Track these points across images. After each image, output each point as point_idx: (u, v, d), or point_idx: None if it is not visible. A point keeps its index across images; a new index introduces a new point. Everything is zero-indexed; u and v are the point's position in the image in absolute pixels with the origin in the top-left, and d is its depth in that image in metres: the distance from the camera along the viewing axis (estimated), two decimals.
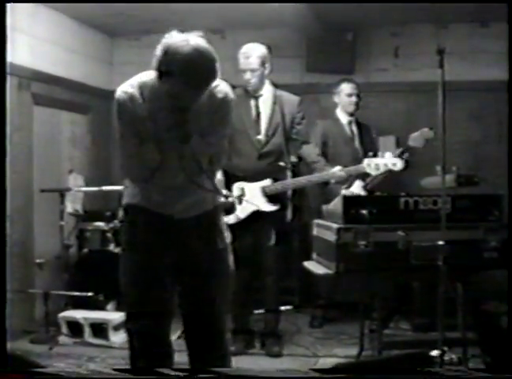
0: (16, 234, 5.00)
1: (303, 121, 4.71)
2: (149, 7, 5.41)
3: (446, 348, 3.38)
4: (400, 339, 4.78)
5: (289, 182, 4.61)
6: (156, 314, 2.97)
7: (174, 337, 3.32)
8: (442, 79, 3.41)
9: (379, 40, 6.19)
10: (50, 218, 5.33)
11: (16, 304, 4.92)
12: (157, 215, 2.93)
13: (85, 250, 5.45)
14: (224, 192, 3.33)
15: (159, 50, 2.67)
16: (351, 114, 5.41)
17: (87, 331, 4.88)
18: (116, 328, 4.86)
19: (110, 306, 5.14)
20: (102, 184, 5.56)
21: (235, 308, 3.84)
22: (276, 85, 4.71)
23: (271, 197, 4.52)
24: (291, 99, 4.69)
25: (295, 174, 4.89)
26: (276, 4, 5.09)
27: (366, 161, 4.41)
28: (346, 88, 5.37)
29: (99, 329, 4.85)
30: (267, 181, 4.54)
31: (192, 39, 2.65)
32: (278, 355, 4.54)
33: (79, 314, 4.95)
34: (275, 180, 4.55)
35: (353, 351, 4.36)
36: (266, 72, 4.57)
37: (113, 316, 4.95)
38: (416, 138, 4.53)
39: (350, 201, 3.81)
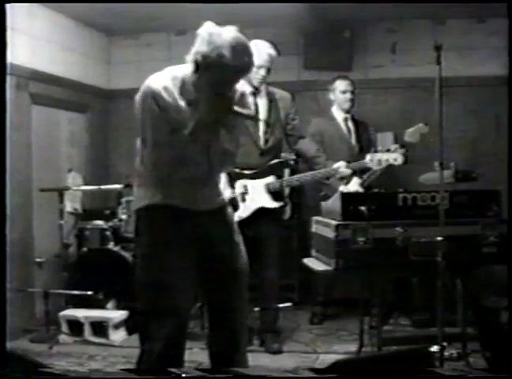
0: (15, 234, 5.00)
1: (297, 116, 4.74)
2: (147, 6, 5.41)
3: (445, 344, 3.39)
4: (400, 335, 4.78)
5: (294, 178, 4.64)
6: (181, 315, 2.98)
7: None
8: (440, 75, 3.42)
9: (376, 37, 6.19)
10: (49, 217, 5.34)
11: (17, 303, 4.93)
12: (182, 211, 2.97)
13: (85, 249, 5.46)
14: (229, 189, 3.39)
15: (201, 40, 2.72)
16: (347, 112, 5.42)
17: (87, 329, 4.88)
18: (116, 326, 4.88)
19: (110, 305, 5.15)
20: (101, 183, 5.58)
21: None
22: (268, 83, 4.72)
23: (274, 195, 4.54)
24: (284, 96, 4.72)
25: (293, 171, 4.91)
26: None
27: (368, 156, 4.42)
28: (340, 84, 5.38)
29: (100, 328, 4.86)
30: (271, 178, 4.55)
31: (229, 28, 2.74)
32: (278, 352, 4.55)
33: (79, 313, 4.96)
34: (278, 177, 4.57)
35: (353, 348, 4.36)
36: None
37: (113, 314, 4.96)
38: (411, 134, 4.56)
39: (348, 198, 3.81)
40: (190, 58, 2.77)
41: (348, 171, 4.60)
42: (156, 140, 2.88)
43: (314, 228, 4.26)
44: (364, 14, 5.88)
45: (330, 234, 3.79)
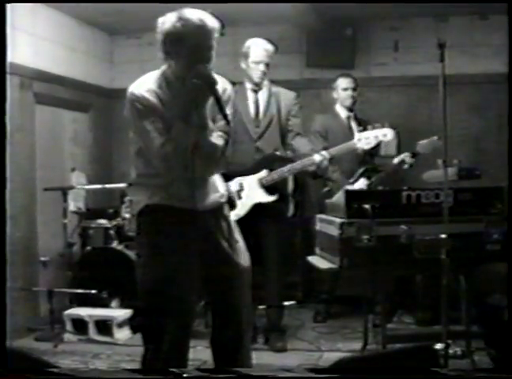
0: (19, 233, 5.01)
1: (300, 114, 4.72)
2: (149, 5, 5.40)
3: (449, 341, 3.39)
4: (404, 332, 4.77)
5: (285, 169, 4.52)
6: (185, 314, 3.00)
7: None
8: (443, 73, 3.42)
9: (379, 34, 6.19)
10: (53, 216, 5.35)
11: (21, 302, 4.95)
12: (181, 210, 2.98)
13: (88, 248, 5.47)
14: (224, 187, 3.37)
15: (164, 28, 2.90)
16: (349, 110, 5.41)
17: (91, 328, 4.89)
18: (120, 325, 4.89)
19: (114, 303, 5.15)
20: (104, 182, 5.59)
21: None
22: (273, 81, 4.72)
23: (270, 189, 4.52)
24: (287, 94, 4.73)
25: None
26: None
27: (356, 136, 4.43)
28: (342, 82, 5.38)
29: (104, 326, 4.87)
30: (263, 173, 4.53)
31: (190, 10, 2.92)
32: (282, 350, 4.55)
33: (83, 311, 4.97)
34: (271, 171, 4.55)
35: (357, 346, 4.36)
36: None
37: (117, 313, 4.97)
38: (424, 146, 4.67)
39: (353, 196, 3.80)
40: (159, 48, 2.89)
41: (323, 157, 4.48)
42: (150, 143, 2.90)
43: (318, 226, 4.26)
44: (367, 12, 5.87)
45: (335, 231, 3.78)
